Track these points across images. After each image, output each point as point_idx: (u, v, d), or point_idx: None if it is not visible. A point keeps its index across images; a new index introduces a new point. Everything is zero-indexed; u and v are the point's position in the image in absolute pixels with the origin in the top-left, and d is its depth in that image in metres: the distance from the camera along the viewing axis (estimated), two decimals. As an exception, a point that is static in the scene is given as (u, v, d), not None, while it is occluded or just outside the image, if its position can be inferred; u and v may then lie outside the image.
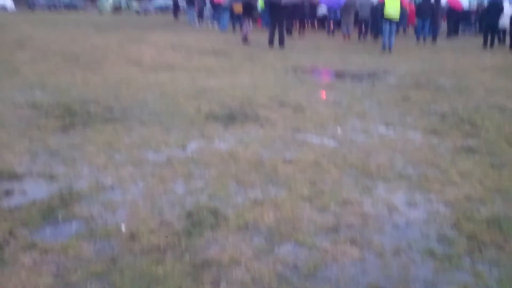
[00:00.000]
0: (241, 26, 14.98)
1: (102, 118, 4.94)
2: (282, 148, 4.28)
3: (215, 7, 20.12)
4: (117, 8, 32.52)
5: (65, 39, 12.03)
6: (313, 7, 18.92)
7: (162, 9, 35.26)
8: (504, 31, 15.62)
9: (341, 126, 5.09)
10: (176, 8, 25.96)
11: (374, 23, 16.30)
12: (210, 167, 3.71)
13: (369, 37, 16.70)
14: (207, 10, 22.15)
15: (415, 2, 18.43)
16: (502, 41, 15.73)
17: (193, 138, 4.45)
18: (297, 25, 18.11)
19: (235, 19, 18.14)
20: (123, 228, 2.66)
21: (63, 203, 2.94)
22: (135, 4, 35.00)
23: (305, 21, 18.63)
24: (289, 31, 16.13)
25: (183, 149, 4.13)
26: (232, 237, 2.63)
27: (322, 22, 20.12)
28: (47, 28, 15.53)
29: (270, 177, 3.55)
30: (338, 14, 17.69)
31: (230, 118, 5.18)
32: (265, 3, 14.10)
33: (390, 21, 12.89)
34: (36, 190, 3.15)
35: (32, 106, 5.30)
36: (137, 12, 33.22)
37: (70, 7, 31.71)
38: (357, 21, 16.68)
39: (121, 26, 18.08)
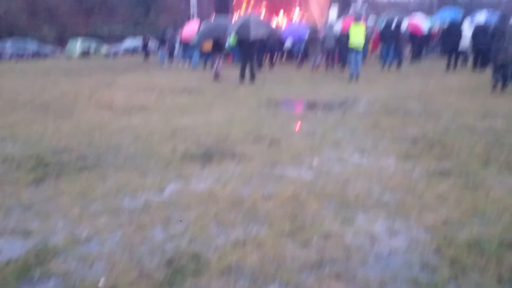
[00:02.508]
0: (212, 63, 15.18)
1: (75, 167, 4.86)
2: (261, 183, 4.27)
3: (185, 45, 20.40)
4: (85, 53, 32.55)
5: (34, 88, 11.91)
6: (280, 41, 19.39)
7: (131, 51, 35.52)
8: (465, 52, 16.25)
9: (317, 157, 5.13)
10: (146, 48, 26.17)
11: (340, 53, 16.73)
12: (189, 209, 3.66)
13: (336, 66, 17.08)
14: (178, 49, 22.45)
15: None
16: (464, 62, 16.33)
17: (170, 180, 4.41)
18: (266, 59, 18.49)
19: (206, 56, 18.41)
20: (101, 284, 2.58)
21: (39, 260, 2.84)
22: (103, 48, 35.12)
23: (274, 54, 19.03)
24: (259, 66, 16.43)
25: (160, 192, 4.08)
26: (215, 282, 2.57)
27: (290, 54, 20.61)
28: (16, 78, 15.39)
29: (250, 215, 3.52)
30: (302, 46, 18.23)
31: (206, 157, 5.17)
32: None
33: (355, 50, 13.25)
34: (10, 249, 3.04)
35: (3, 160, 5.18)
36: (106, 56, 33.30)
37: (39, 55, 31.54)
38: (324, 52, 17.09)
39: (91, 70, 18.07)
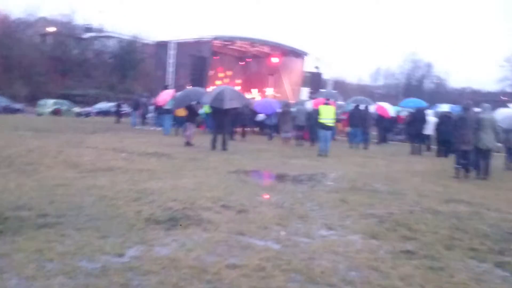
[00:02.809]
0: (184, 129, 15.31)
1: (34, 225, 4.65)
2: (226, 252, 4.19)
3: (158, 110, 20.61)
4: (57, 111, 32.34)
5: (0, 143, 11.61)
6: (254, 113, 19.86)
7: (104, 113, 35.51)
8: (429, 138, 16.97)
9: (284, 229, 5.10)
10: (118, 111, 26.27)
11: (310, 129, 17.19)
12: (149, 275, 3.52)
13: (306, 142, 17.46)
14: (151, 114, 22.65)
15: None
16: (428, 148, 16.99)
17: (131, 244, 4.26)
18: (239, 129, 18.81)
19: (178, 122, 18.59)
20: None
21: (-18, 321, 2.64)
22: (75, 108, 35.04)
23: (246, 125, 19.39)
24: (231, 136, 16.65)
25: (120, 256, 3.92)
26: None
27: (262, 126, 21.07)
28: (-19, 130, 15.03)
29: (213, 285, 3.41)
30: (274, 119, 18.73)
31: (171, 222, 5.06)
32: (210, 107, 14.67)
33: (325, 127, 13.67)
34: (-49, 307, 2.82)
35: (-43, 212, 4.92)
36: (78, 116, 33.15)
37: (8, 110, 31.13)
38: (295, 127, 17.54)
39: (61, 129, 17.86)
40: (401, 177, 9.79)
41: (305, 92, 28.54)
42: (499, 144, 12.67)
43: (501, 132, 10.92)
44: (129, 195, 6.28)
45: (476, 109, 11.46)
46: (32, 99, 36.90)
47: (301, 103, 18.70)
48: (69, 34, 49.45)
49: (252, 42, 28.21)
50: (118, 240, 4.33)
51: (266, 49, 29.19)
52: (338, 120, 18.66)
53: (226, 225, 5.07)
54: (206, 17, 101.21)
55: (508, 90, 55.43)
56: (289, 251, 4.35)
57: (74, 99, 39.79)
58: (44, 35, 51.79)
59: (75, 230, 4.57)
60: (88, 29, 56.25)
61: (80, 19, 54.77)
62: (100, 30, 55.96)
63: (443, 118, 15.24)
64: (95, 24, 57.22)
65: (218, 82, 27.46)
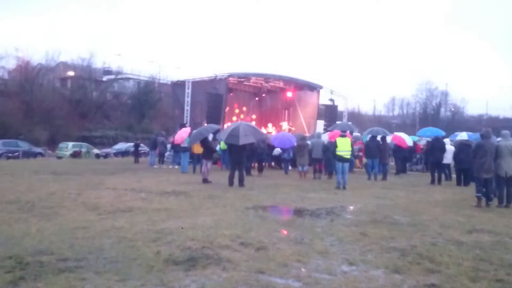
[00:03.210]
0: (201, 166, 15.42)
1: (54, 269, 4.67)
2: (246, 292, 4.13)
3: (175, 149, 20.86)
4: (76, 153, 32.92)
5: (21, 187, 11.83)
6: (270, 147, 19.91)
7: (122, 153, 36.05)
8: (448, 167, 16.71)
9: (305, 266, 5.03)
10: (136, 151, 26.63)
11: (327, 162, 17.10)
12: (169, 318, 3.49)
13: (323, 175, 17.35)
14: (168, 153, 22.93)
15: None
16: (448, 177, 16.72)
17: (151, 286, 4.24)
18: (255, 165, 18.84)
19: (195, 160, 18.74)
20: None
21: None
22: (95, 150, 35.65)
23: (263, 160, 19.42)
24: (248, 171, 16.68)
25: (140, 299, 3.90)
26: None
27: (279, 160, 21.07)
28: (4, 176, 15.35)
29: (233, 326, 3.36)
30: (291, 153, 18.75)
31: (191, 262, 5.04)
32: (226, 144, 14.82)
33: (342, 159, 13.60)
34: None
35: (-20, 259, 4.99)
36: (97, 157, 33.66)
37: (29, 154, 31.81)
38: (311, 160, 17.49)
39: (81, 171, 18.13)
40: (422, 208, 9.64)
41: (320, 125, 28.64)
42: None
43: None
44: (148, 236, 6.30)
45: (498, 139, 11.27)
46: (53, 142, 37.71)
47: (318, 134, 18.73)
48: (88, 77, 50.89)
49: (267, 77, 28.63)
50: (138, 282, 4.32)
51: (280, 84, 29.58)
52: (355, 157, 18.62)
53: (246, 264, 5.03)
54: (221, 54, 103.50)
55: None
56: (310, 288, 4.28)
57: (94, 141, 40.62)
58: (64, 79, 53.41)
59: (95, 273, 4.58)
60: (107, 71, 57.88)
61: (99, 62, 56.51)
62: (118, 73, 57.53)
63: (462, 147, 15.05)
64: (113, 66, 58.92)
65: (234, 118, 27.78)
